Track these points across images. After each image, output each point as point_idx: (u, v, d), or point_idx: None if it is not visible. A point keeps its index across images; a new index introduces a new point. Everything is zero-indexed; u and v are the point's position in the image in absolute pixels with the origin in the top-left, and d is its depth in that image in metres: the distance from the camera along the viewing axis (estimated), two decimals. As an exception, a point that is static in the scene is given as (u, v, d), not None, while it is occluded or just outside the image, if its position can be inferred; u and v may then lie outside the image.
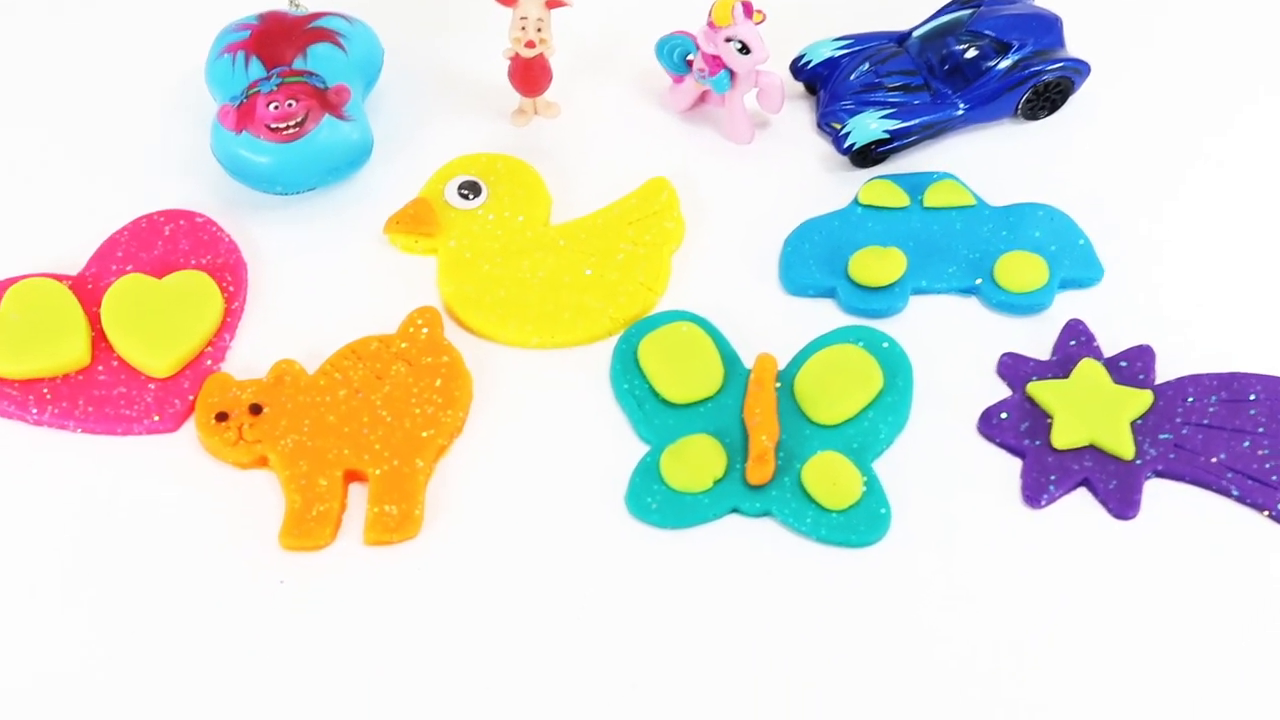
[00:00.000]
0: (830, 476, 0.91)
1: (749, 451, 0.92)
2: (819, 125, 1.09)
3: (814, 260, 1.02)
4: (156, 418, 0.95)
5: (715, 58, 1.05)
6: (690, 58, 1.08)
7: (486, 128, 1.10)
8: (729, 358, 0.97)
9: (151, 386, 0.96)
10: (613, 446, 0.94)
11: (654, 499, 0.91)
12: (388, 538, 0.90)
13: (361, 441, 0.92)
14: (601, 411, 0.96)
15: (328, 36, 1.06)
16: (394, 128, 1.09)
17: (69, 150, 1.09)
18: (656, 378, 0.96)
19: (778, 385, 0.95)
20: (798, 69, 1.12)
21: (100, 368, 0.96)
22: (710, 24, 1.04)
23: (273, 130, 1.01)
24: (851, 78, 1.08)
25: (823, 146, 1.10)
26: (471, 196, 1.03)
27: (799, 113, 1.11)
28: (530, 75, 1.08)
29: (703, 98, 1.10)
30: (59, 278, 1.00)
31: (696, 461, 0.92)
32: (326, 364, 0.96)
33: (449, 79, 1.13)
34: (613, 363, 0.97)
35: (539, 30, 1.05)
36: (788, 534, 0.91)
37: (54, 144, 1.09)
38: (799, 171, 1.08)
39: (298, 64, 1.04)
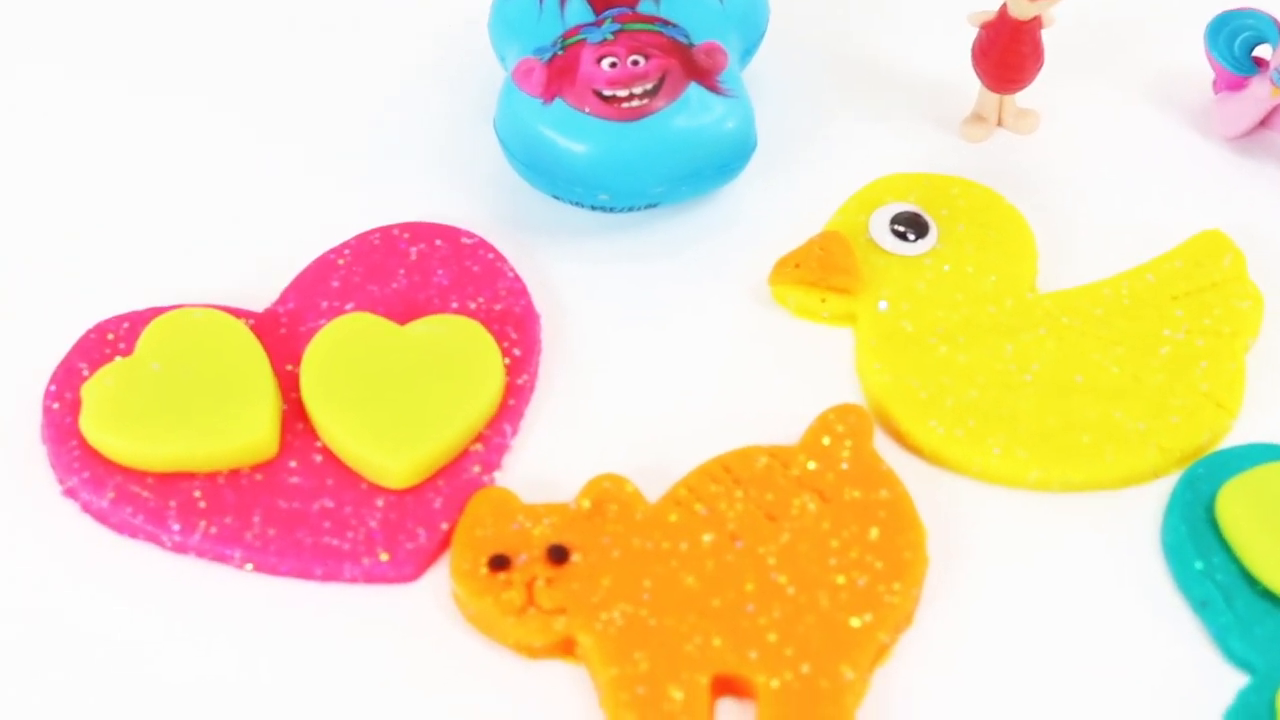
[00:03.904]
0: None
1: None
2: None
3: None
4: (385, 556, 0.77)
5: (1320, 46, 0.81)
6: (1261, 51, 0.85)
7: (921, 138, 0.92)
8: (1372, 531, 0.73)
9: (379, 502, 0.78)
10: (1180, 666, 0.73)
11: (1272, 772, 0.67)
12: (791, 804, 0.70)
13: (744, 626, 0.74)
14: (1153, 601, 0.75)
15: (692, -29, 0.90)
16: (778, 123, 0.91)
17: (266, 131, 0.93)
18: (1256, 556, 0.74)
19: None
20: None
21: (293, 463, 0.79)
22: (1319, -11, 0.80)
23: (606, 101, 0.82)
24: None
25: None
26: (914, 237, 0.85)
27: None
28: (1014, 53, 0.85)
29: (1275, 115, 0.87)
30: (236, 312, 0.83)
31: (1349, 712, 0.67)
32: (680, 487, 0.78)
33: (859, 59, 0.96)
34: (1169, 523, 0.76)
35: (1052, -26, 0.81)
36: None
37: (246, 123, 0.93)
38: None
39: (645, 6, 0.87)
